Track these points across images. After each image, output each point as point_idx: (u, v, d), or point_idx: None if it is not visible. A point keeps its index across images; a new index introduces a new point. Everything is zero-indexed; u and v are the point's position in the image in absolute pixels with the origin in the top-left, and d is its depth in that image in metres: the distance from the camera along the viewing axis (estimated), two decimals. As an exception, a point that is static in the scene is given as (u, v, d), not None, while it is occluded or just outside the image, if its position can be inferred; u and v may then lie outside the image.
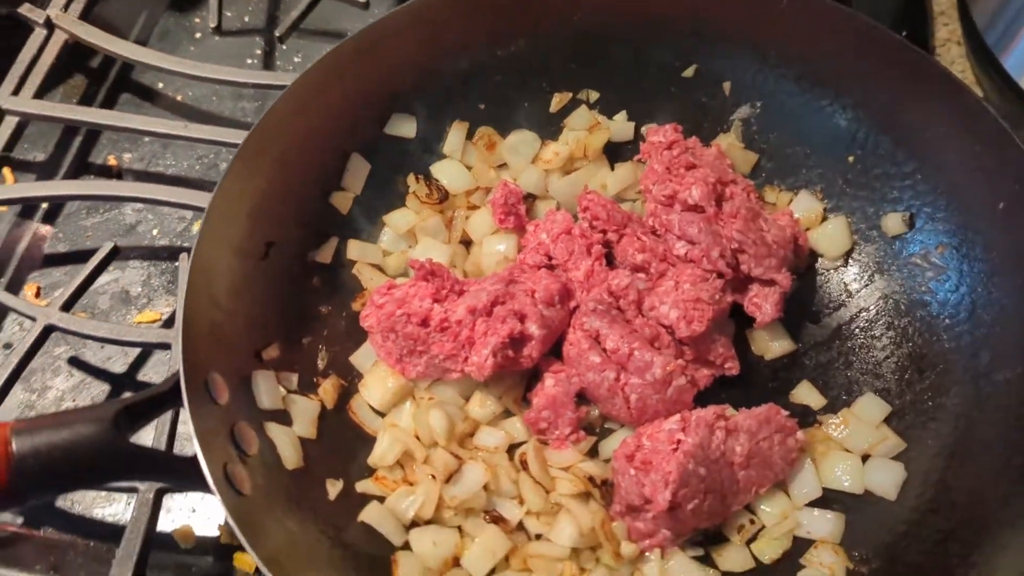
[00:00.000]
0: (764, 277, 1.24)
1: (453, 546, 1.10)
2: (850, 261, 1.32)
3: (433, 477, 1.12)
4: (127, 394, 1.39)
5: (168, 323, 1.45)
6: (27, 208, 1.57)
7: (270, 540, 0.97)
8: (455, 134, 1.38)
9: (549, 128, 1.41)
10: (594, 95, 1.42)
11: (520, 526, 1.14)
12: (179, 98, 1.73)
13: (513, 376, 1.22)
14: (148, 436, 1.21)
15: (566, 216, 1.30)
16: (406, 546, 1.11)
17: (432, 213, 1.34)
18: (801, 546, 1.13)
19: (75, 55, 1.68)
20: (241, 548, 1.21)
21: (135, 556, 1.12)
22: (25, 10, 1.62)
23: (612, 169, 1.39)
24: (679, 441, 1.10)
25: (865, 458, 1.18)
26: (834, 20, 1.27)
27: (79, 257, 1.52)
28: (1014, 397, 1.12)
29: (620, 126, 1.40)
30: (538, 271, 1.26)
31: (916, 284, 1.26)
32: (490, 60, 1.37)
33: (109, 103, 1.71)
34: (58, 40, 1.60)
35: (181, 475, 0.95)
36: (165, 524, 1.24)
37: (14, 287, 1.48)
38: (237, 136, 1.44)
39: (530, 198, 1.37)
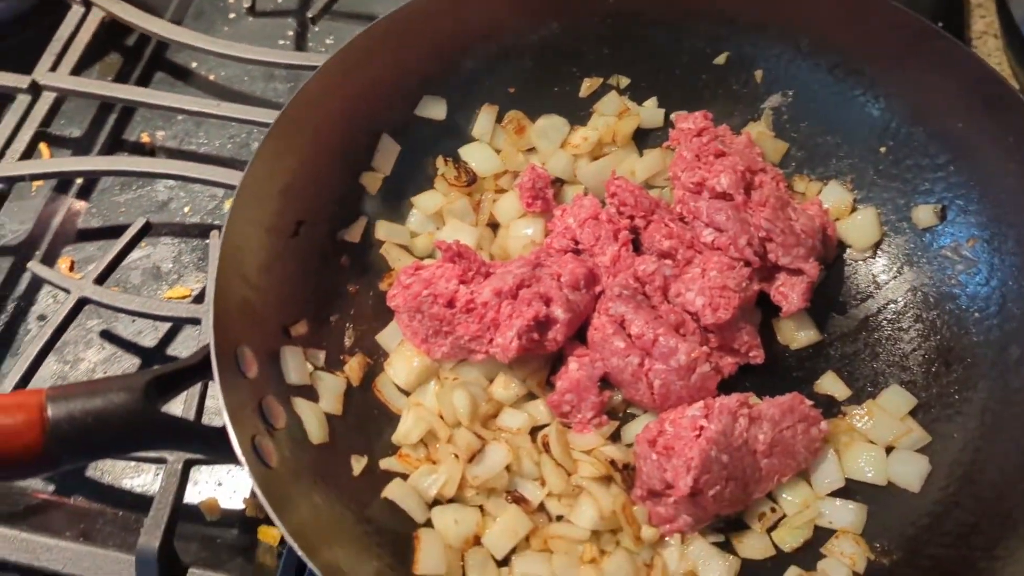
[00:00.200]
0: (791, 266, 1.24)
1: (474, 525, 1.11)
2: (879, 252, 1.31)
3: (456, 456, 1.13)
4: (157, 367, 1.41)
5: (198, 299, 1.47)
6: (62, 183, 1.60)
7: (296, 513, 0.99)
8: (484, 117, 1.38)
9: (578, 113, 1.41)
10: (624, 81, 1.41)
11: (541, 507, 1.14)
12: (212, 78, 1.74)
13: (537, 359, 1.23)
14: (178, 408, 1.24)
15: (594, 201, 1.30)
16: (428, 523, 1.12)
17: (460, 195, 1.34)
18: (822, 536, 1.12)
19: (111, 33, 1.71)
20: (265, 521, 1.25)
21: (163, 525, 1.14)
22: (64, -12, 1.64)
23: (641, 155, 1.39)
24: (702, 427, 1.10)
25: (889, 450, 1.17)
26: (870, 9, 1.26)
27: (112, 232, 1.54)
28: (1043, 392, 1.11)
29: (650, 112, 1.40)
30: (564, 255, 1.27)
31: (946, 277, 1.25)
32: (521, 44, 1.37)
33: (144, 81, 1.73)
34: (95, 18, 1.62)
35: (210, 445, 0.97)
36: (192, 496, 1.26)
37: (49, 260, 1.51)
38: (268, 116, 1.46)
39: (558, 183, 1.38)
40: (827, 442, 1.17)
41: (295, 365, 1.14)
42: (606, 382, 1.21)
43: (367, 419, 1.20)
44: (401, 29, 1.26)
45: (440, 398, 1.19)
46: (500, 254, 1.33)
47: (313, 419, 1.11)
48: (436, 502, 1.14)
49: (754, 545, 1.12)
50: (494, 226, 1.36)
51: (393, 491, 1.12)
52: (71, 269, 1.51)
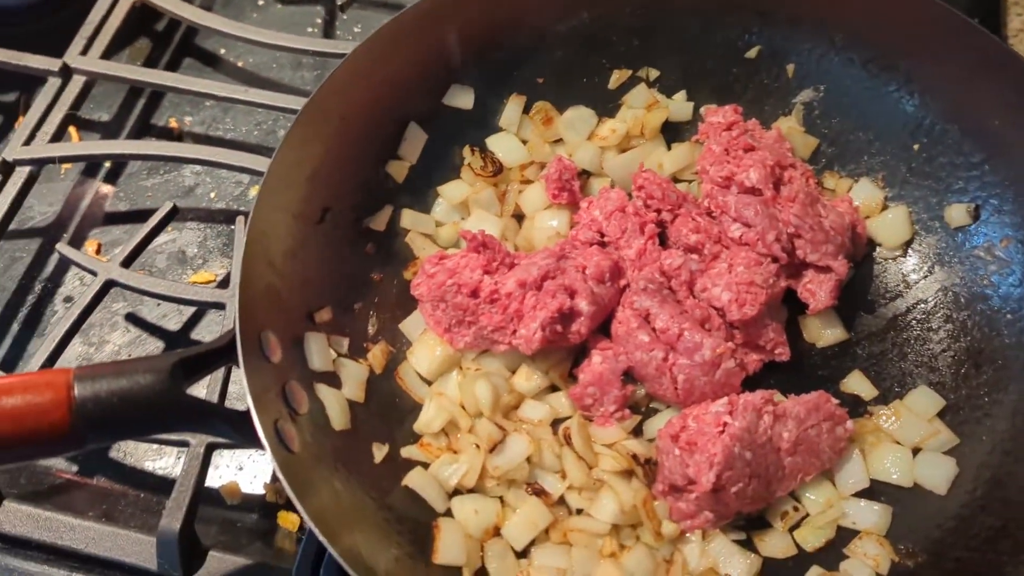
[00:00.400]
0: (820, 263, 1.22)
1: (494, 515, 1.11)
2: (909, 252, 1.29)
3: (477, 446, 1.13)
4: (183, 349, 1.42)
5: (222, 284, 1.48)
6: (90, 166, 1.61)
7: (317, 498, 0.99)
8: (512, 107, 1.38)
9: (607, 105, 1.40)
10: (654, 73, 1.40)
11: (561, 500, 1.14)
12: (240, 64, 1.75)
13: (560, 351, 1.22)
14: (201, 392, 1.24)
15: (620, 194, 1.29)
16: (448, 513, 1.12)
17: (486, 186, 1.34)
18: (845, 536, 1.11)
19: (141, 18, 1.72)
20: (285, 507, 1.26)
21: (184, 508, 1.14)
22: (95, -28, 1.65)
23: (669, 149, 1.38)
24: (725, 424, 1.09)
25: (916, 451, 1.16)
26: (907, 4, 1.24)
27: (139, 216, 1.55)
28: (1075, 396, 1.09)
29: (679, 105, 1.39)
30: (589, 248, 1.26)
31: (978, 277, 1.23)
32: (551, 34, 1.36)
33: (172, 67, 1.74)
34: (126, 2, 1.62)
35: (233, 429, 0.97)
36: (213, 480, 1.27)
37: (76, 243, 1.52)
38: (296, 102, 1.46)
39: (584, 174, 1.37)
40: (852, 442, 1.16)
41: (319, 351, 1.14)
42: (629, 376, 1.21)
43: (389, 407, 1.20)
44: (430, 17, 1.26)
45: (462, 388, 1.19)
46: (525, 245, 1.33)
47: (335, 405, 1.11)
48: (456, 492, 1.14)
49: (776, 544, 1.11)
50: (519, 217, 1.36)
51: (414, 479, 1.12)
52: (98, 252, 1.52)
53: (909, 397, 1.19)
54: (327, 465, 1.06)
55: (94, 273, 1.33)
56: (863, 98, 1.31)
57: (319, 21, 1.80)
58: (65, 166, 1.59)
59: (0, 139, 1.66)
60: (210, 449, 1.20)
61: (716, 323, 1.20)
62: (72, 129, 1.60)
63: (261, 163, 1.41)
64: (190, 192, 1.58)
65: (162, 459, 1.33)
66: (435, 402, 1.18)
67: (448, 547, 1.07)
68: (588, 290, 1.19)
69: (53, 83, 1.53)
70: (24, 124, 1.48)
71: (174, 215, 1.42)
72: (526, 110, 1.39)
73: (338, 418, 1.11)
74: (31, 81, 1.63)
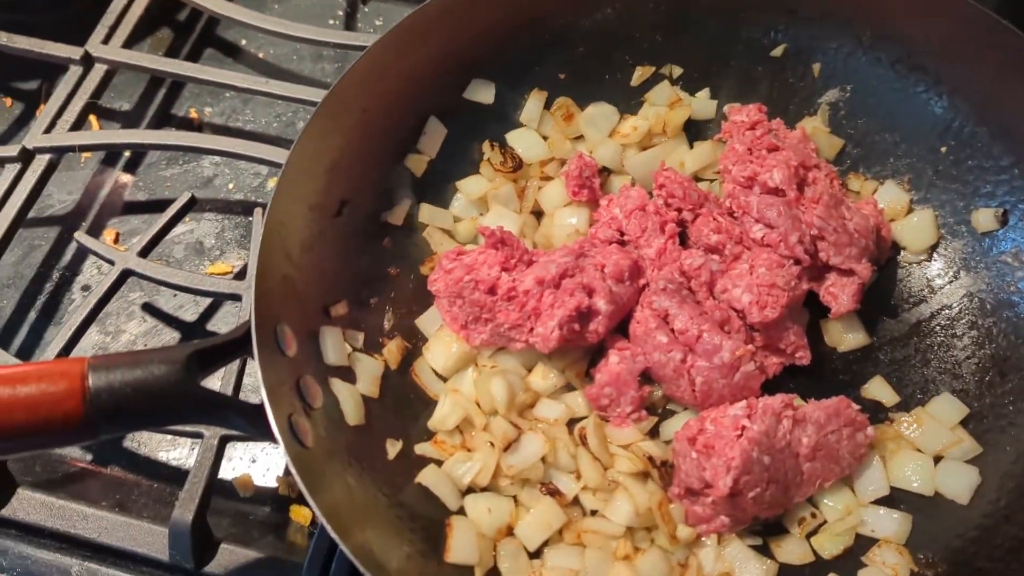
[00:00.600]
0: (843, 266, 1.20)
1: (508, 515, 1.10)
2: (935, 256, 1.27)
3: (492, 445, 1.12)
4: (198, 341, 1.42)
5: (239, 276, 1.47)
6: (110, 156, 1.61)
7: (329, 493, 0.98)
8: (533, 103, 1.36)
9: (629, 102, 1.39)
10: (677, 70, 1.38)
11: (576, 501, 1.13)
12: (261, 55, 1.74)
13: (577, 350, 1.21)
14: (215, 384, 1.24)
15: (641, 192, 1.28)
16: (461, 511, 1.11)
17: (505, 181, 1.33)
18: (864, 544, 1.09)
19: (162, 8, 1.72)
20: (297, 500, 1.25)
21: (197, 499, 1.14)
22: (117, -40, 1.65)
23: (691, 147, 1.36)
24: (744, 427, 1.08)
25: (937, 460, 1.14)
26: (938, 3, 1.21)
27: (157, 206, 1.55)
28: (1103, 407, 1.07)
29: (702, 103, 1.37)
30: (609, 246, 1.24)
31: (1005, 284, 1.21)
32: (574, 29, 1.35)
33: (193, 57, 1.74)
34: (148, -8, 1.62)
35: (246, 422, 0.96)
36: (226, 472, 1.27)
37: (94, 231, 1.52)
38: (316, 95, 1.46)
39: (605, 172, 1.35)
40: (873, 448, 1.14)
41: (334, 345, 1.13)
42: (646, 377, 1.19)
43: (403, 403, 1.19)
44: (453, 11, 1.24)
45: (478, 385, 1.18)
46: (543, 242, 1.31)
47: (350, 400, 1.11)
48: (470, 490, 1.13)
49: (793, 550, 1.09)
50: (538, 214, 1.34)
51: (427, 477, 1.11)
52: (116, 241, 1.52)
53: (931, 404, 1.17)
54: (340, 460, 1.05)
55: (111, 262, 1.33)
56: (890, 99, 1.29)
57: (340, 13, 1.79)
58: (85, 155, 1.60)
59: (21, 127, 1.66)
60: (224, 441, 1.20)
61: (736, 325, 1.18)
62: (92, 118, 1.60)
63: (280, 155, 1.40)
64: (209, 183, 1.58)
65: (176, 450, 1.33)
66: (450, 399, 1.17)
67: (460, 546, 1.06)
68: (607, 289, 1.18)
69: (74, 71, 1.53)
70: (45, 112, 1.48)
71: (192, 206, 1.42)
72: (547, 106, 1.37)
73: (352, 413, 1.10)
74: (52, 69, 1.63)
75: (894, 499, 1.12)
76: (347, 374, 1.15)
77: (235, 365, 1.24)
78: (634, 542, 1.09)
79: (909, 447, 1.15)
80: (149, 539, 1.17)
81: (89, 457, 1.32)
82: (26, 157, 1.43)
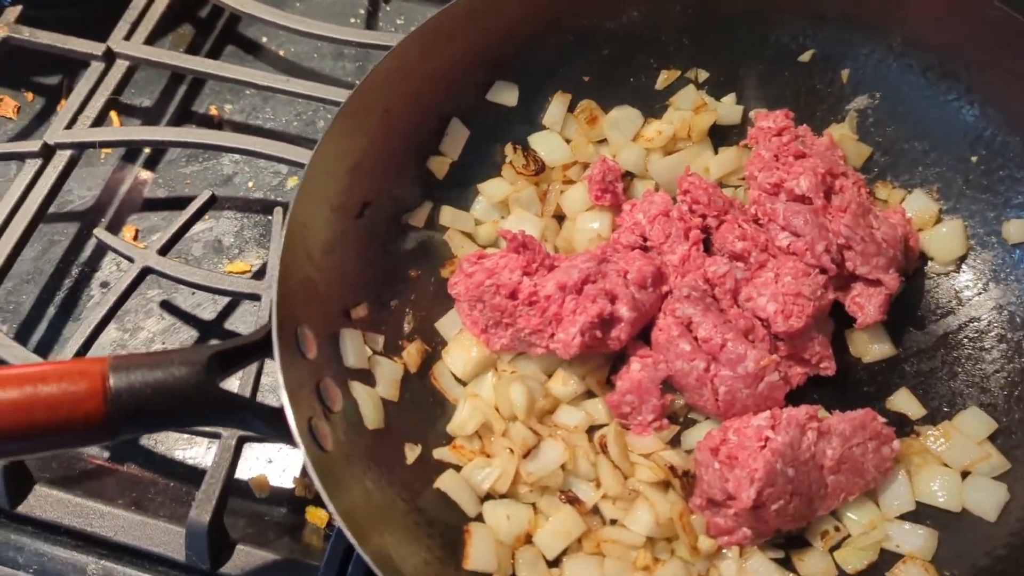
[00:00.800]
0: (870, 276, 1.19)
1: (526, 522, 1.09)
2: (963, 267, 1.25)
3: (511, 451, 1.11)
4: (214, 341, 1.42)
5: (258, 275, 1.47)
6: (130, 152, 1.61)
7: (347, 497, 0.97)
8: (556, 105, 1.35)
9: (653, 106, 1.37)
10: (703, 74, 1.37)
11: (595, 509, 1.12)
12: (281, 53, 1.74)
13: (598, 357, 1.20)
14: (233, 385, 1.23)
15: (665, 197, 1.26)
16: (479, 518, 1.10)
17: (527, 185, 1.31)
18: (888, 559, 1.08)
19: (184, 5, 1.71)
20: (313, 502, 1.25)
21: (214, 499, 1.13)
22: (140, -44, 1.64)
23: (716, 153, 1.35)
24: (767, 439, 1.06)
25: (964, 475, 1.12)
26: (970, 9, 1.20)
27: (177, 203, 1.55)
28: None
29: (728, 108, 1.36)
30: (631, 252, 1.23)
31: (1035, 296, 1.19)
32: (599, 31, 1.33)
33: (214, 54, 1.73)
34: (171, -12, 1.62)
35: (266, 425, 0.95)
36: (242, 472, 1.25)
37: (114, 228, 1.52)
38: (337, 94, 1.45)
39: (628, 176, 1.34)
40: (898, 462, 1.12)
41: (354, 348, 1.12)
42: (668, 385, 1.18)
43: (422, 407, 1.18)
44: (479, 11, 1.23)
45: (497, 390, 1.17)
46: (565, 246, 1.30)
47: (369, 404, 1.10)
48: (488, 496, 1.12)
49: (815, 564, 1.08)
50: (560, 218, 1.33)
51: (446, 482, 1.10)
52: (135, 238, 1.51)
53: (958, 418, 1.16)
54: (359, 464, 1.04)
55: (131, 260, 1.32)
56: (920, 106, 1.27)
57: (362, 12, 1.78)
58: (105, 151, 1.59)
59: (42, 122, 1.66)
60: (241, 441, 1.19)
61: (760, 334, 1.17)
62: (113, 114, 1.59)
63: (300, 154, 1.40)
64: (228, 181, 1.58)
65: (192, 448, 1.32)
66: (470, 403, 1.16)
67: (479, 553, 1.05)
68: (629, 295, 1.16)
69: (96, 67, 1.53)
70: (66, 108, 1.48)
71: (212, 204, 1.41)
72: (571, 109, 1.36)
73: (372, 417, 1.09)
74: (74, 65, 1.63)
75: (920, 514, 1.10)
76: (366, 377, 1.14)
77: (253, 365, 1.24)
78: (654, 553, 1.08)
79: (936, 461, 1.13)
80: (165, 539, 1.17)
81: (106, 454, 1.32)
82: (47, 152, 1.43)
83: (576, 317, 1.14)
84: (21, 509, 1.19)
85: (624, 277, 1.18)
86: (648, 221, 1.25)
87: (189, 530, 1.13)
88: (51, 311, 1.45)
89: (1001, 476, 1.11)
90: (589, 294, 1.15)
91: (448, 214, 1.29)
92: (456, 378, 1.21)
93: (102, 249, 1.49)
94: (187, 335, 1.43)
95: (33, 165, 1.41)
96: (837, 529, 1.10)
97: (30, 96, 1.69)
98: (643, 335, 1.20)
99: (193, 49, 1.73)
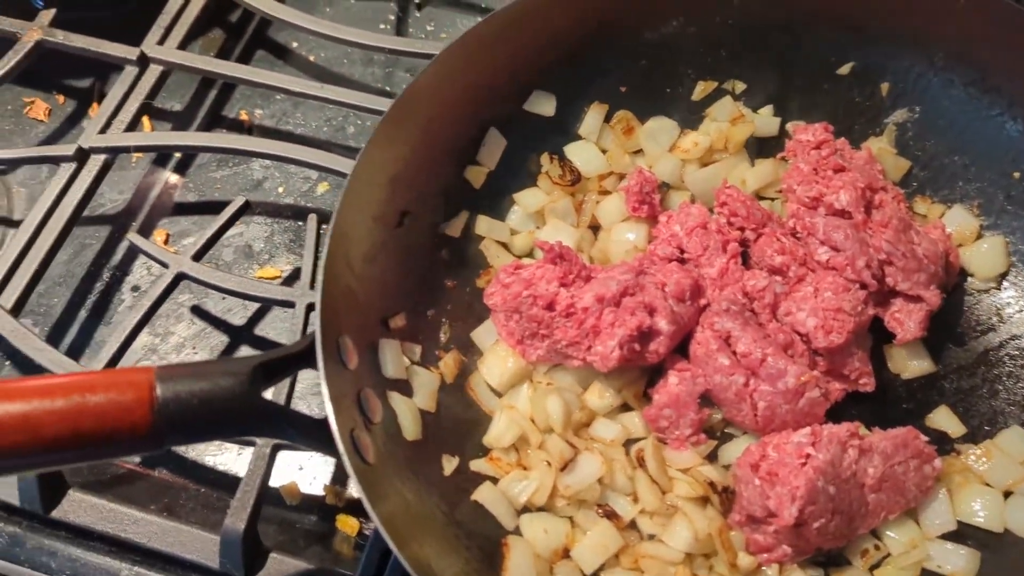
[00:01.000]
0: (911, 293, 1.18)
1: (564, 536, 1.08)
2: (1004, 284, 1.24)
3: (548, 464, 1.10)
4: (245, 346, 1.42)
5: (288, 280, 1.47)
6: (161, 156, 1.60)
7: (387, 506, 0.97)
8: (593, 116, 1.34)
9: (690, 116, 1.36)
10: (740, 86, 1.36)
11: (632, 524, 1.11)
12: (311, 58, 1.74)
13: (634, 370, 1.19)
14: (267, 392, 1.22)
15: (702, 209, 1.26)
16: (517, 531, 1.09)
17: (563, 195, 1.31)
18: (929, 579, 1.07)
19: (215, 9, 1.71)
20: (344, 510, 1.24)
21: (249, 508, 1.13)
22: (174, -39, 1.64)
23: (752, 165, 1.34)
24: (808, 456, 1.05)
25: (1007, 495, 1.11)
26: (1011, 22, 1.18)
27: (207, 208, 1.55)
28: None
29: (765, 120, 1.35)
30: (669, 264, 1.22)
31: (1079, 315, 1.18)
32: (637, 42, 1.32)
33: (245, 58, 1.73)
34: (204, -7, 1.62)
35: (307, 436, 0.95)
36: (273, 479, 1.24)
37: (144, 232, 1.51)
38: (369, 100, 1.45)
39: (663, 187, 1.33)
40: (939, 481, 1.11)
41: (392, 358, 1.11)
42: (705, 399, 1.17)
43: (458, 418, 1.17)
44: (520, 21, 1.23)
45: (533, 402, 1.17)
46: (600, 257, 1.29)
47: (408, 415, 1.09)
48: (525, 509, 1.11)
49: (855, 582, 1.07)
50: (595, 228, 1.32)
51: (483, 494, 1.10)
52: (165, 242, 1.51)
53: (1000, 437, 1.15)
54: (399, 476, 1.04)
55: (166, 265, 1.32)
56: (961, 121, 1.26)
57: (392, 17, 1.78)
58: (136, 155, 1.59)
59: (74, 124, 1.66)
60: (276, 449, 1.19)
61: (799, 349, 1.16)
62: (145, 118, 1.59)
63: (330, 160, 1.39)
64: (258, 186, 1.57)
65: (223, 455, 1.32)
66: (506, 415, 1.15)
67: (518, 566, 1.04)
68: (668, 308, 1.16)
69: (130, 72, 1.53)
70: (100, 112, 1.48)
71: (246, 210, 1.41)
72: (607, 119, 1.35)
73: (410, 428, 1.09)
74: (105, 68, 1.64)
75: (961, 534, 1.09)
76: (404, 387, 1.13)
77: (287, 372, 1.23)
78: (693, 569, 1.07)
79: (977, 481, 1.12)
80: (200, 547, 1.16)
81: (136, 459, 1.31)
82: (82, 157, 1.43)
83: (615, 330, 1.13)
84: (55, 514, 1.18)
85: (662, 290, 1.18)
86: (685, 233, 1.24)
87: (224, 538, 1.13)
88: (82, 314, 1.45)
89: (1044, 497, 1.10)
90: (627, 307, 1.14)
91: (484, 224, 1.29)
92: (492, 389, 1.20)
93: (133, 253, 1.49)
94: (217, 340, 1.42)
95: (68, 169, 1.41)
96: (877, 548, 1.09)
97: (61, 99, 1.69)
98: (680, 348, 1.20)
99: (223, 53, 1.72)
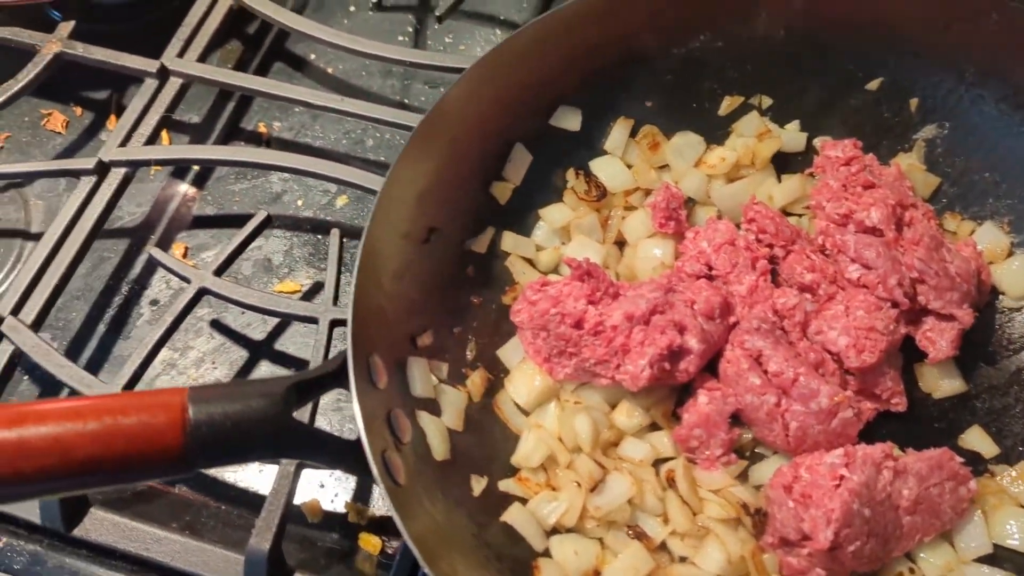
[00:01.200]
0: (943, 311, 1.16)
1: (594, 558, 1.07)
2: (1036, 302, 1.23)
3: (578, 485, 1.09)
4: (264, 361, 1.41)
5: (307, 295, 1.46)
6: (179, 169, 1.59)
7: (418, 526, 0.95)
8: (619, 131, 1.33)
9: (715, 132, 1.35)
10: (767, 101, 1.35)
11: (663, 546, 1.09)
12: (330, 70, 1.73)
13: (663, 389, 1.18)
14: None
15: (729, 226, 1.24)
16: (546, 552, 1.08)
17: (589, 211, 1.30)
18: (966, 604, 1.05)
19: (233, 21, 1.70)
20: (367, 528, 1.23)
21: (274, 528, 1.12)
22: (193, -27, 1.63)
23: (779, 180, 1.33)
24: (842, 477, 1.04)
25: (1043, 517, 1.09)
26: (1047, 41, 1.17)
27: (226, 221, 1.54)
28: None
29: (792, 136, 1.33)
30: (697, 281, 1.21)
31: (1113, 335, 1.16)
32: (664, 57, 1.31)
33: (263, 70, 1.72)
34: (223, 5, 1.61)
35: (341, 459, 0.94)
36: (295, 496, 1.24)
37: (163, 245, 1.50)
38: (392, 114, 1.44)
39: (689, 203, 1.32)
40: (973, 502, 1.10)
41: (421, 377, 1.10)
42: (735, 418, 1.15)
43: (486, 437, 1.16)
44: (547, 36, 1.22)
45: (561, 421, 1.15)
46: (626, 274, 1.28)
47: (437, 434, 1.08)
48: (554, 530, 1.09)
49: (890, 606, 1.06)
50: (621, 244, 1.31)
51: (513, 516, 1.08)
52: (184, 255, 1.50)
53: (1035, 458, 1.13)
54: (427, 496, 1.02)
55: (187, 280, 1.31)
56: (992, 137, 1.25)
57: (410, 29, 1.77)
58: (155, 167, 1.58)
59: (91, 136, 1.65)
60: (299, 467, 1.18)
61: (830, 368, 1.15)
62: (163, 131, 1.58)
63: (350, 173, 1.38)
64: (277, 199, 1.56)
65: (243, 471, 1.30)
66: (535, 435, 1.14)
67: (549, 589, 1.03)
68: (698, 327, 1.14)
69: (150, 84, 1.52)
70: (120, 125, 1.47)
71: (268, 224, 1.40)
72: (632, 134, 1.34)
73: (439, 448, 1.08)
74: (122, 80, 1.63)
75: (997, 557, 1.08)
76: (432, 406, 1.12)
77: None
78: (725, 592, 1.06)
79: (1012, 503, 1.10)
80: (223, 566, 1.15)
81: (158, 477, 1.30)
82: (102, 170, 1.42)
83: (645, 349, 1.12)
84: (76, 532, 1.17)
85: (691, 307, 1.16)
86: (713, 250, 1.23)
87: (249, 558, 1.12)
88: (101, 328, 1.44)
89: (1081, 520, 1.08)
90: (657, 325, 1.13)
91: (510, 240, 1.28)
92: (518, 407, 1.19)
93: (152, 266, 1.48)
94: (237, 355, 1.41)
95: (88, 182, 1.40)
96: (912, 571, 1.07)
97: (79, 111, 1.68)
98: (708, 367, 1.18)
99: (241, 65, 1.71)
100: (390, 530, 1.24)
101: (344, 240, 1.41)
